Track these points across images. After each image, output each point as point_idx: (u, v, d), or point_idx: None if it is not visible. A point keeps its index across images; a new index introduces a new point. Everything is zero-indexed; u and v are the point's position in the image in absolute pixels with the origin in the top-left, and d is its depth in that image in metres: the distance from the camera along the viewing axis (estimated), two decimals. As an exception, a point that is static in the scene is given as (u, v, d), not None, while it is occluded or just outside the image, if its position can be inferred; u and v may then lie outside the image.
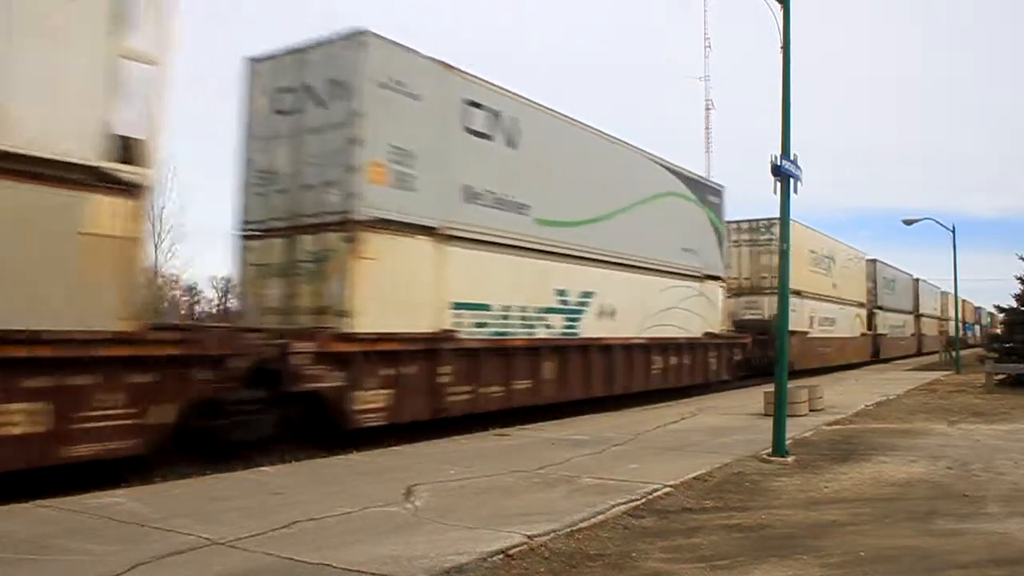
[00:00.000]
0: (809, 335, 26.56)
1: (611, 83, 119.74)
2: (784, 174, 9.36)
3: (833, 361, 28.97)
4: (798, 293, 23.97)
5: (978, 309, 75.85)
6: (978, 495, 7.09)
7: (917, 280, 48.58)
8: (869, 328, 35.96)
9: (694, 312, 18.79)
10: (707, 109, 50.66)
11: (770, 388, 10.91)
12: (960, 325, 57.05)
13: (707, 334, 19.39)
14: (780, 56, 9.39)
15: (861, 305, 34.63)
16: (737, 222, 25.01)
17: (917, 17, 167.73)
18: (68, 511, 5.94)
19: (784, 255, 9.56)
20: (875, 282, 37.47)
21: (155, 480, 7.46)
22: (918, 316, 48.32)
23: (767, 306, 24.11)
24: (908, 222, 29.57)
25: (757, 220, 25.36)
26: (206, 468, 7.95)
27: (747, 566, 4.94)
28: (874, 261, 37.84)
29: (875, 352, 36.63)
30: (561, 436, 10.73)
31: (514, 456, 8.94)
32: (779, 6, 9.27)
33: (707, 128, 50.38)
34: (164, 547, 5.00)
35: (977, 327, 73.52)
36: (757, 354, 22.33)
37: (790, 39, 9.35)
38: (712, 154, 50.73)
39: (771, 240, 24.03)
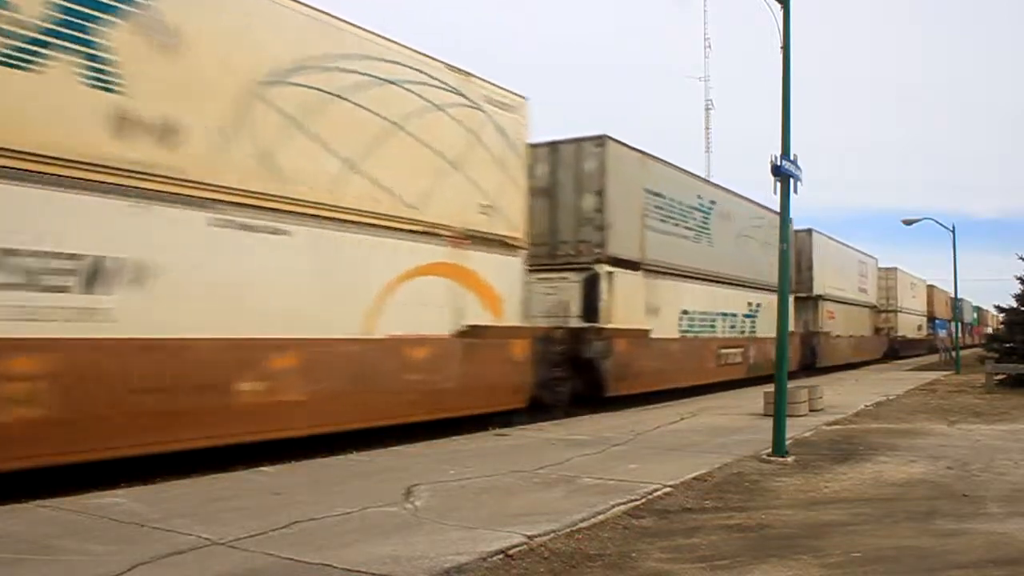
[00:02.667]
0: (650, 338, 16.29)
1: (611, 83, 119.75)
2: (784, 174, 9.36)
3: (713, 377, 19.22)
4: (629, 264, 15.46)
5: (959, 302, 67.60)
6: (978, 495, 7.09)
7: (895, 268, 41.49)
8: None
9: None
10: (707, 109, 50.48)
11: (770, 388, 10.91)
12: (938, 322, 52.84)
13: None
14: (780, 56, 9.40)
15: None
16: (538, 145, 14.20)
17: (917, 17, 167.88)
18: (68, 511, 5.94)
19: (784, 255, 9.56)
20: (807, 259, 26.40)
21: (155, 480, 7.46)
22: (884, 311, 39.52)
23: (576, 291, 14.58)
24: (908, 222, 29.56)
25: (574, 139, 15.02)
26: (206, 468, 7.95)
27: (747, 566, 4.94)
28: (810, 231, 26.76)
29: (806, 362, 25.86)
30: (561, 436, 10.73)
31: (514, 456, 8.94)
32: (779, 6, 9.27)
33: (707, 128, 50.22)
34: (164, 547, 5.00)
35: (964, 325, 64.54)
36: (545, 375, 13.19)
37: (790, 39, 9.35)
38: (712, 154, 50.53)
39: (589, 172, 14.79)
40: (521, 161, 12.52)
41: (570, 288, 14.70)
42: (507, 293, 12.10)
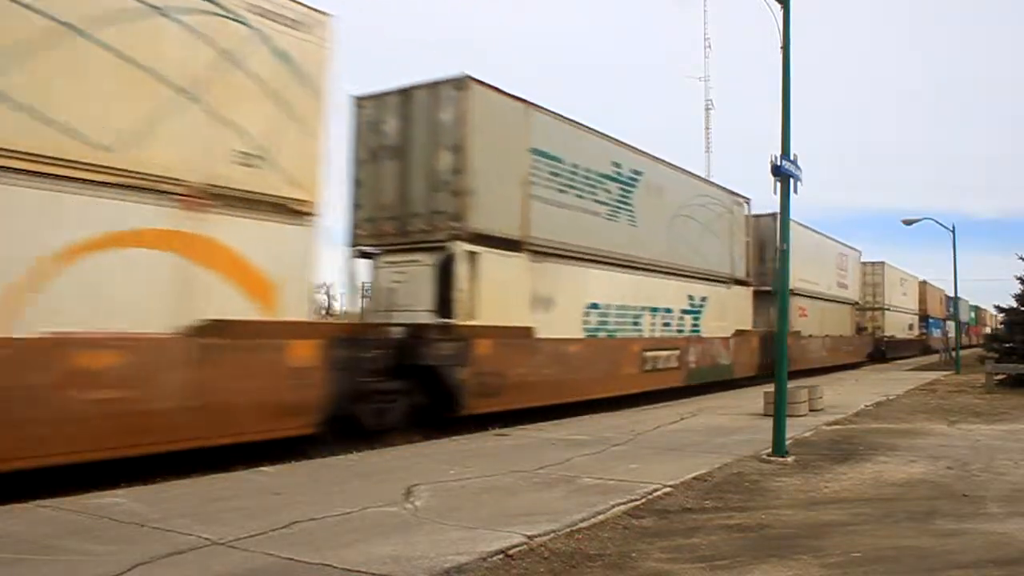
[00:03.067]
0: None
1: (611, 83, 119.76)
2: (784, 174, 9.36)
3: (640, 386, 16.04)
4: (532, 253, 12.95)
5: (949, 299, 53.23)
6: (978, 495, 7.09)
7: (882, 263, 38.56)
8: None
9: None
10: (707, 109, 50.45)
11: (771, 388, 10.91)
12: (932, 321, 49.74)
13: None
14: (780, 56, 9.40)
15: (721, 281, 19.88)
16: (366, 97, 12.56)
17: (917, 17, 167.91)
18: (68, 511, 5.94)
19: (784, 255, 9.57)
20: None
21: (155, 480, 7.46)
22: (870, 309, 37.32)
23: (428, 277, 11.77)
24: (908, 222, 29.55)
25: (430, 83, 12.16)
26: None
27: (747, 566, 4.94)
28: (775, 216, 17.07)
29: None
30: (561, 436, 10.73)
31: (514, 456, 8.94)
32: (779, 6, 9.28)
33: (707, 128, 50.18)
34: (164, 547, 5.00)
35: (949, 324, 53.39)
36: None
37: (790, 39, 9.36)
38: (712, 154, 50.50)
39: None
40: (318, 100, 9.27)
41: (421, 273, 11.72)
42: (284, 277, 8.85)
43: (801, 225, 25.21)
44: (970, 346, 54.27)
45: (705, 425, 12.20)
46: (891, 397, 17.39)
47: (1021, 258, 22.26)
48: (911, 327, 45.15)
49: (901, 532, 5.83)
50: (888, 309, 39.14)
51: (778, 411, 9.14)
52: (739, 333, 20.67)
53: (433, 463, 8.38)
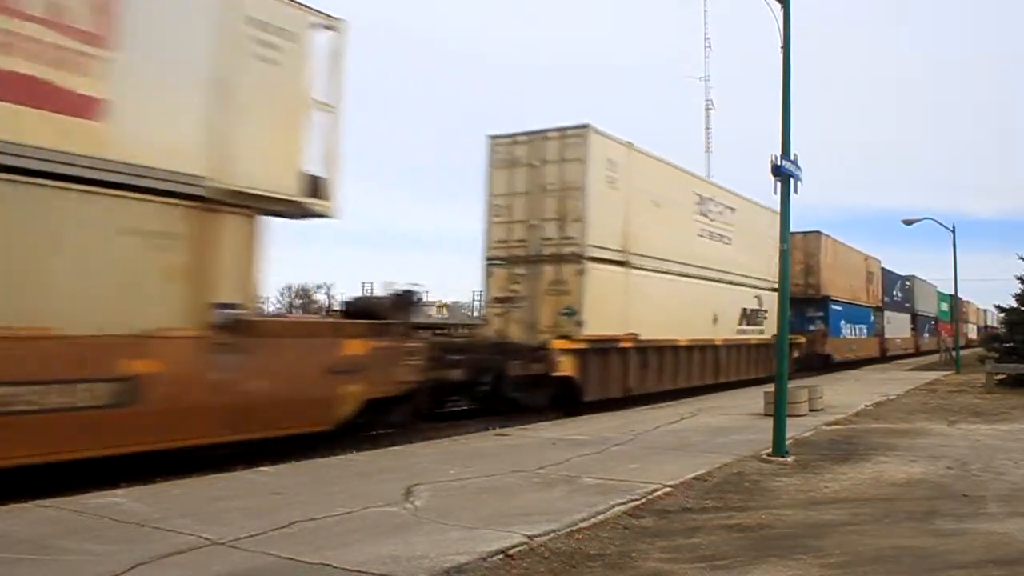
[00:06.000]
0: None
1: (611, 83, 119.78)
2: (784, 174, 9.36)
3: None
4: None
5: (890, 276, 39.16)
6: (978, 495, 7.09)
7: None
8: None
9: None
10: (707, 109, 50.53)
11: (771, 388, 10.92)
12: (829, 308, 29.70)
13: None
14: (780, 56, 9.40)
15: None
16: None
17: (917, 17, 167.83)
18: (68, 511, 5.94)
19: (784, 255, 9.56)
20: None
21: (155, 480, 7.46)
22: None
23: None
24: (908, 222, 29.53)
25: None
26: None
27: (747, 566, 4.94)
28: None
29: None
30: (561, 436, 10.73)
31: (514, 456, 8.94)
32: (779, 6, 9.27)
33: (707, 128, 50.24)
34: (164, 547, 5.00)
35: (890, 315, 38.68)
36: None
37: (790, 39, 9.36)
38: (712, 154, 50.56)
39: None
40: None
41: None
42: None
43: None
44: (945, 351, 39.17)
45: (705, 425, 12.20)
46: (891, 397, 17.39)
47: (1021, 258, 22.27)
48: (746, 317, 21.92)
49: (901, 532, 5.83)
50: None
51: (778, 411, 9.14)
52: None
53: (433, 463, 8.38)
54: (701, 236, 18.70)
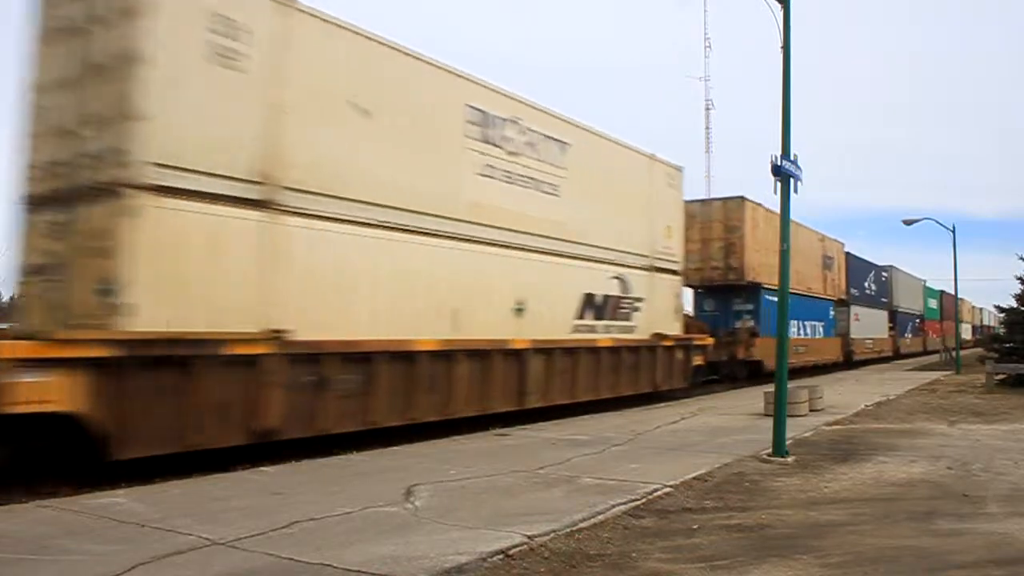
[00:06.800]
0: None
1: (611, 83, 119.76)
2: (784, 174, 9.36)
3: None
4: None
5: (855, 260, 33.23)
6: (978, 495, 7.09)
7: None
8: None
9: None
10: (707, 109, 50.51)
11: (771, 388, 10.92)
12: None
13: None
14: (780, 56, 9.40)
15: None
16: None
17: (917, 17, 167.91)
18: (68, 511, 5.94)
19: (784, 255, 9.56)
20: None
21: (155, 480, 7.46)
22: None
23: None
24: (908, 222, 29.54)
25: None
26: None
27: (747, 566, 4.94)
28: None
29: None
30: (561, 436, 10.73)
31: (514, 456, 8.94)
32: (779, 6, 9.27)
33: (707, 128, 50.23)
34: (164, 547, 5.00)
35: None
36: None
37: (790, 39, 9.35)
38: (712, 154, 50.53)
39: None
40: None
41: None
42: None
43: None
44: (934, 352, 38.28)
45: (705, 425, 12.20)
46: (891, 397, 17.39)
47: (1021, 258, 22.27)
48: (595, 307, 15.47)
49: (901, 532, 5.83)
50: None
51: (778, 411, 9.14)
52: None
53: (433, 463, 8.37)
54: (484, 176, 12.03)
